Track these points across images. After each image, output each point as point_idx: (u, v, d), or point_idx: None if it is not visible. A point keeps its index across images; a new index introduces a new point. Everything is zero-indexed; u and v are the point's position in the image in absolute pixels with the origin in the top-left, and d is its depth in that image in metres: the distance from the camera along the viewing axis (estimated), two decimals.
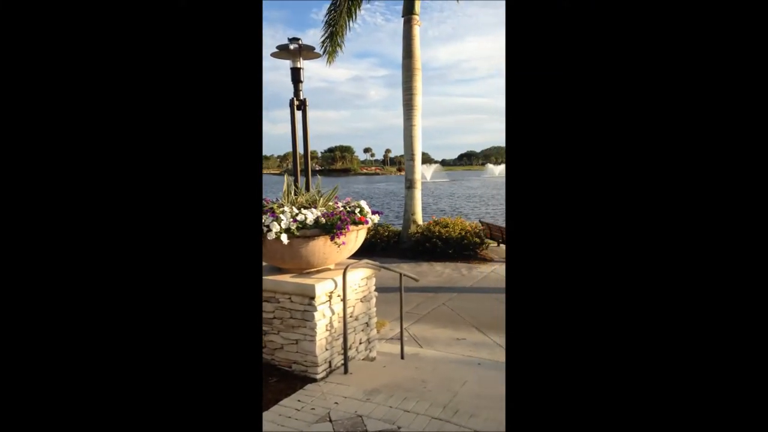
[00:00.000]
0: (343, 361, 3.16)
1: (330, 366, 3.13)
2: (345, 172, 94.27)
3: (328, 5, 9.67)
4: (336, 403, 2.61)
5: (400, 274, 3.71)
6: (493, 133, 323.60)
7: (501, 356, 4.08)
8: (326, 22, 9.81)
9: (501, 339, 4.47)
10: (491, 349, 4.25)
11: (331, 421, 2.40)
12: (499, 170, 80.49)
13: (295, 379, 2.97)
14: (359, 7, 9.78)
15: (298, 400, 2.66)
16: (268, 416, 2.48)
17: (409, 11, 9.28)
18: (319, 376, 3.00)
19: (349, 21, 9.78)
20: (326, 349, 3.09)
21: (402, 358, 3.69)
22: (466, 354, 4.13)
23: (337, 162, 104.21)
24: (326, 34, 9.85)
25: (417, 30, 9.32)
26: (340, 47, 10.00)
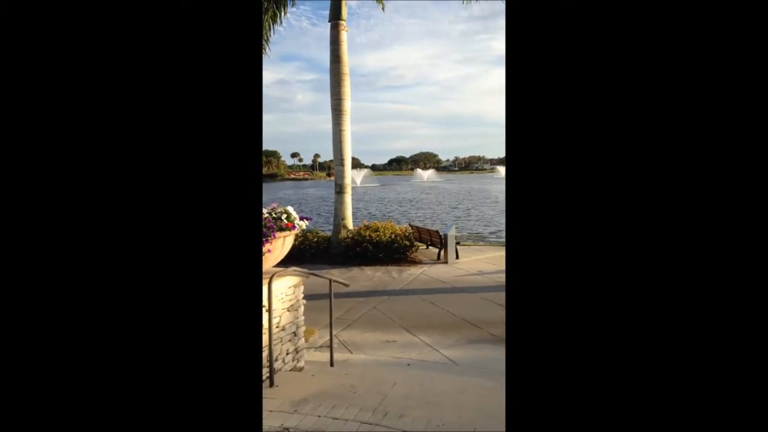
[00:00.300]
0: (268, 374, 3.06)
1: None
2: (271, 177, 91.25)
3: None
4: None
5: (330, 281, 3.67)
6: (422, 139, 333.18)
7: (430, 356, 4.19)
8: None
9: (430, 339, 4.59)
10: (420, 349, 4.35)
11: None
12: (427, 175, 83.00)
13: None
14: (284, 11, 9.61)
15: None
16: None
17: (336, 16, 9.29)
18: None
19: (273, 24, 9.57)
20: None
21: (331, 365, 3.65)
22: (396, 356, 4.19)
23: (262, 167, 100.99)
24: None
25: (344, 35, 9.36)
26: (265, 50, 9.75)
